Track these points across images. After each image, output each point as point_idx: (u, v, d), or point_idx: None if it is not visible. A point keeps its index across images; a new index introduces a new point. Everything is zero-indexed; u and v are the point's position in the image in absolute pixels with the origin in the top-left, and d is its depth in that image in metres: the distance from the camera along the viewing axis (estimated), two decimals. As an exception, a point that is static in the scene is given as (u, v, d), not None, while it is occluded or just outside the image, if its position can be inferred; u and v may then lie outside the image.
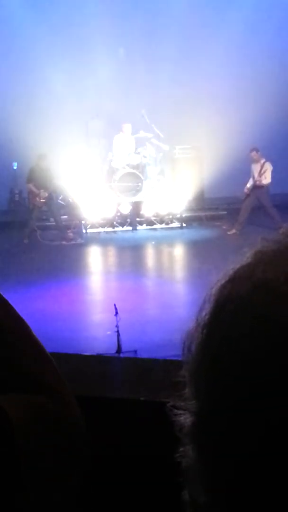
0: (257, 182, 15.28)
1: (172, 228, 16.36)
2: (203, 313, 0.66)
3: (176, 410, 0.68)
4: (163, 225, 16.44)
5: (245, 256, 0.67)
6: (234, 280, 0.65)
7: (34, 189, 15.36)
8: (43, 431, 1.11)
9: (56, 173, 15.81)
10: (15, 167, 17.74)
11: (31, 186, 15.46)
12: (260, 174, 15.30)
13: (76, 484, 1.14)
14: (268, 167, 15.34)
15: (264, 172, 15.28)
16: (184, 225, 16.40)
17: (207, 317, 0.66)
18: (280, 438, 0.57)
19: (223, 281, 0.66)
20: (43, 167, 15.44)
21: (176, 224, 16.47)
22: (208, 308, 0.66)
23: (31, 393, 1.15)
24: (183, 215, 16.51)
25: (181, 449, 0.68)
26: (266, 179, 15.30)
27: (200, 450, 0.65)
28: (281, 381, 0.58)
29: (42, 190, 15.30)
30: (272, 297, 0.60)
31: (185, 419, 0.67)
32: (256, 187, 15.30)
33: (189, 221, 16.62)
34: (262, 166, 15.37)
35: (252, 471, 0.59)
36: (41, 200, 15.34)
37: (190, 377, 0.67)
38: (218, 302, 0.65)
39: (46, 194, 15.38)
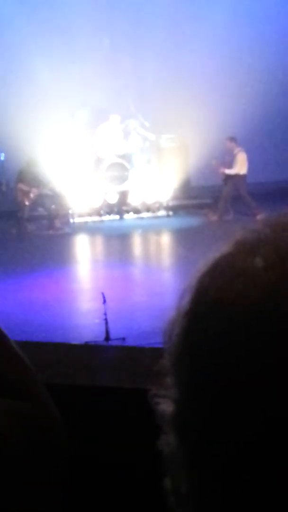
0: (223, 171, 15.35)
1: (159, 216, 16.33)
2: (184, 302, 0.66)
3: (157, 398, 0.69)
4: (150, 214, 16.42)
5: (226, 246, 0.67)
6: (215, 269, 0.65)
7: (25, 187, 15.31)
8: (28, 436, 1.12)
9: (45, 176, 15.79)
10: (2, 158, 17.63)
11: (21, 185, 15.41)
12: (231, 164, 15.38)
13: (58, 486, 1.16)
14: (240, 158, 15.36)
15: (235, 163, 15.32)
16: (170, 213, 16.39)
17: (187, 306, 0.66)
18: (261, 425, 0.58)
19: (203, 270, 0.66)
20: (32, 172, 15.42)
21: (162, 212, 16.45)
22: (188, 297, 0.66)
23: (15, 399, 1.15)
24: (170, 204, 16.50)
25: (163, 437, 0.68)
26: (234, 169, 15.29)
27: (181, 438, 0.65)
28: (261, 368, 0.58)
29: (33, 189, 15.30)
30: (252, 286, 0.61)
31: (166, 407, 0.67)
32: (227, 176, 15.35)
33: (175, 210, 16.60)
34: (234, 156, 15.43)
35: (232, 457, 0.59)
36: (32, 197, 15.32)
37: (171, 366, 0.67)
38: (199, 291, 0.65)
39: (37, 192, 15.36)
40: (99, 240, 14.66)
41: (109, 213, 16.29)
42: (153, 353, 2.27)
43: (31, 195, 15.27)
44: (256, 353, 0.58)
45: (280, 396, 0.57)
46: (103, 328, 7.15)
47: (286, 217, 0.67)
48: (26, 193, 15.26)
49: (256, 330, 0.59)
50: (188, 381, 0.64)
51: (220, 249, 0.67)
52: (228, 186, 15.39)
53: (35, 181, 15.40)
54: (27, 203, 15.27)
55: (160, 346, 0.72)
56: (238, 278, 0.62)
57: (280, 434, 0.57)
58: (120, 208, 16.27)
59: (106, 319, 7.12)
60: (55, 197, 16.33)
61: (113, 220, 16.15)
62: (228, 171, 15.33)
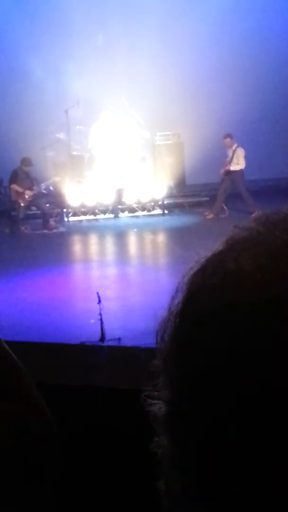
0: (228, 168, 15.43)
1: (154, 215, 16.36)
2: (176, 302, 0.66)
3: (150, 400, 0.68)
4: (145, 212, 16.43)
5: (217, 244, 0.66)
6: (206, 268, 0.65)
7: (19, 189, 15.32)
8: (15, 436, 1.11)
9: (39, 175, 15.83)
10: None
11: (15, 186, 15.42)
12: (231, 160, 15.44)
13: (50, 487, 1.15)
14: (240, 153, 15.45)
15: (237, 158, 15.42)
16: (166, 212, 16.40)
17: (179, 306, 0.66)
18: (254, 426, 0.57)
19: (195, 270, 0.66)
20: (26, 171, 15.44)
21: (158, 211, 16.47)
22: (180, 296, 0.66)
23: (5, 401, 1.14)
24: (165, 202, 16.51)
25: (156, 438, 0.68)
26: (239, 165, 15.43)
27: (174, 439, 0.65)
28: (254, 368, 0.57)
29: (27, 191, 15.32)
30: (243, 284, 0.60)
31: (159, 408, 0.67)
32: (229, 172, 15.42)
33: (171, 208, 16.62)
34: (234, 152, 15.48)
35: (226, 459, 0.59)
36: (27, 198, 15.33)
37: (163, 366, 0.67)
38: (190, 290, 0.65)
39: (31, 193, 15.37)
40: (94, 239, 14.66)
41: (104, 212, 16.29)
42: (149, 354, 2.26)
43: (26, 197, 15.26)
44: (258, 353, 0.58)
45: (280, 395, 0.57)
46: (98, 329, 7.14)
47: (279, 214, 0.67)
48: (20, 194, 15.27)
49: (249, 329, 0.58)
50: (180, 381, 0.63)
51: (212, 247, 0.66)
52: (225, 183, 15.44)
53: (29, 181, 15.41)
54: (22, 204, 15.26)
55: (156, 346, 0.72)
56: (230, 277, 0.62)
57: (280, 432, 0.57)
58: (115, 206, 16.27)
59: (101, 319, 7.12)
60: (49, 196, 16.34)
61: (108, 219, 16.16)
62: (233, 168, 15.40)
